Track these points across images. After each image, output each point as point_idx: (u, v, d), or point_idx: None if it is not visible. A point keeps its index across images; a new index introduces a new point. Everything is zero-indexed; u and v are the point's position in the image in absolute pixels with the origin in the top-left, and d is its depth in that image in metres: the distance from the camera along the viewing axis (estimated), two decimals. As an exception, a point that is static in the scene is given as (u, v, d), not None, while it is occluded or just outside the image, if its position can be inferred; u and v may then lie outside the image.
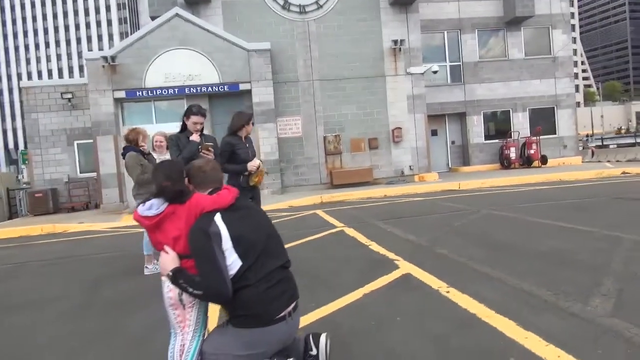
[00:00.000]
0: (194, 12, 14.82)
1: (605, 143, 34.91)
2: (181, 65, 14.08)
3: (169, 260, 2.22)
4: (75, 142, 15.86)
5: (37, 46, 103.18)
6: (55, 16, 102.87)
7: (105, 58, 13.60)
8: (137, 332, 3.50)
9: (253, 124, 5.00)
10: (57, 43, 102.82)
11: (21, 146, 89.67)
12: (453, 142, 20.03)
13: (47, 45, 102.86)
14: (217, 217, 2.20)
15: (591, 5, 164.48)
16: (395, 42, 15.57)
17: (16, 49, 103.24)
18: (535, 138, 18.45)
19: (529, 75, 19.51)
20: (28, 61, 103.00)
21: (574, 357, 2.46)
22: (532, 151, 18.30)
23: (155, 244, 2.32)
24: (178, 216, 2.23)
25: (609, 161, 19.28)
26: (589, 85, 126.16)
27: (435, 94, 18.66)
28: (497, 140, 19.39)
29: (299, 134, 15.61)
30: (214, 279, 2.10)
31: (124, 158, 5.56)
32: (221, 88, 14.29)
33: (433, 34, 19.02)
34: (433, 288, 3.91)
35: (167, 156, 5.69)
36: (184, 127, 4.67)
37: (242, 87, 14.44)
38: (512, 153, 18.52)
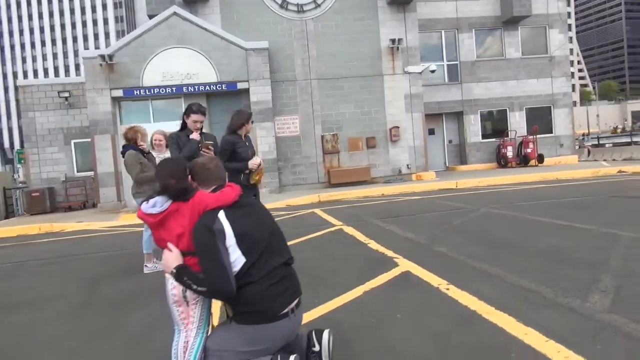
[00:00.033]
0: (191, 11, 14.80)
1: (601, 142, 35.04)
2: (179, 64, 14.06)
3: (173, 257, 2.23)
4: (72, 141, 15.83)
5: (32, 45, 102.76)
6: (51, 14, 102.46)
7: (102, 57, 13.57)
8: (136, 331, 3.50)
9: (252, 122, 5.00)
10: (53, 42, 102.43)
11: (17, 145, 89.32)
12: (450, 141, 20.08)
13: (43, 43, 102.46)
14: (221, 214, 2.22)
15: (587, 5, 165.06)
16: (393, 41, 15.59)
17: (12, 47, 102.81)
18: (532, 137, 18.54)
19: (525, 75, 19.58)
20: (24, 60, 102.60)
21: (574, 352, 2.48)
22: (529, 150, 18.38)
23: (158, 241, 2.33)
24: (182, 214, 2.25)
25: (605, 160, 19.37)
26: (585, 85, 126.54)
27: (433, 93, 18.70)
28: (494, 139, 19.46)
29: (296, 133, 15.62)
30: (217, 275, 2.12)
31: (123, 157, 5.56)
32: (219, 87, 14.28)
33: (431, 33, 19.07)
34: (433, 285, 3.93)
35: (167, 155, 5.69)
36: (183, 126, 4.67)
37: (240, 86, 14.44)
38: (509, 152, 18.60)
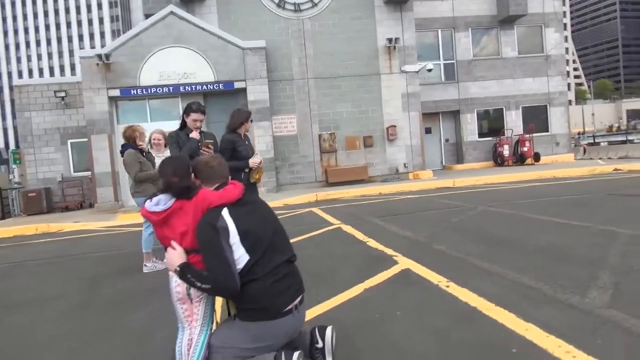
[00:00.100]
0: (188, 10, 14.78)
1: (596, 141, 35.24)
2: (176, 64, 14.03)
3: (176, 255, 2.24)
4: (69, 141, 15.77)
5: (27, 44, 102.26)
6: (46, 14, 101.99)
7: (99, 56, 13.52)
8: (137, 330, 3.50)
9: (251, 121, 5.01)
10: (48, 41, 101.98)
11: (12, 145, 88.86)
12: (447, 140, 20.13)
13: (37, 43, 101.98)
14: (225, 212, 2.22)
15: (582, 4, 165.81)
16: (390, 40, 15.62)
17: (6, 47, 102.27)
18: (528, 136, 18.62)
19: (522, 74, 19.65)
20: (19, 59, 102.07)
21: (574, 347, 2.51)
22: (525, 149, 18.46)
23: (162, 239, 2.33)
24: (185, 211, 2.25)
25: (600, 158, 19.47)
26: (580, 84, 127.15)
27: (430, 92, 18.75)
28: (490, 138, 19.52)
29: (294, 132, 15.62)
30: (221, 272, 2.12)
31: (122, 156, 5.56)
32: (216, 86, 14.26)
33: (427, 32, 19.10)
34: (433, 283, 3.95)
35: (166, 154, 5.70)
36: (183, 125, 4.67)
37: (237, 85, 14.43)
38: (506, 150, 18.67)
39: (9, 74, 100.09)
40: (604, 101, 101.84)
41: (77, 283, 5.23)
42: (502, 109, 19.73)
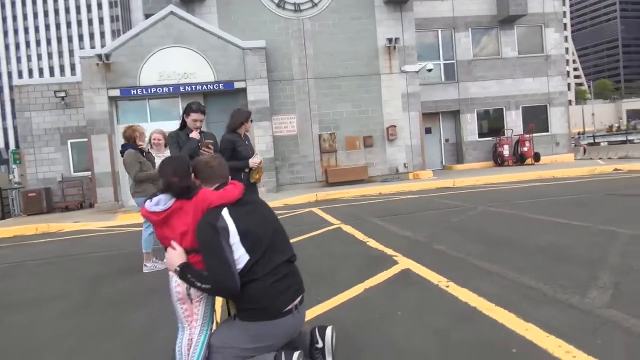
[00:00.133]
0: (188, 10, 14.78)
1: (596, 141, 35.26)
2: (176, 64, 14.03)
3: (176, 255, 2.24)
4: (69, 141, 15.77)
5: (27, 44, 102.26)
6: (46, 14, 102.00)
7: (99, 56, 13.51)
8: (137, 330, 3.50)
9: (251, 121, 5.01)
10: (48, 41, 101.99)
11: (12, 146, 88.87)
12: (447, 140, 20.13)
13: (37, 43, 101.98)
14: (225, 212, 2.23)
15: (582, 4, 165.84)
16: (390, 40, 15.62)
17: (6, 47, 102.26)
18: (528, 136, 18.63)
19: (522, 74, 19.65)
20: (18, 59, 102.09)
21: (574, 347, 2.51)
22: (525, 149, 18.46)
23: (162, 239, 2.33)
24: (185, 211, 2.25)
25: (600, 158, 19.47)
26: (580, 84, 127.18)
27: (430, 92, 18.75)
28: (490, 138, 19.52)
29: (294, 132, 15.62)
30: (221, 272, 2.13)
31: (122, 156, 5.56)
32: (216, 86, 14.26)
33: (427, 32, 19.10)
34: (433, 283, 3.95)
35: (166, 154, 5.70)
36: (183, 125, 4.67)
37: (237, 85, 14.42)
38: (506, 150, 18.67)
39: (9, 74, 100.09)
40: (604, 101, 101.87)
41: (77, 283, 5.23)
42: (502, 109, 19.73)
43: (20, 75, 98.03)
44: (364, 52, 15.79)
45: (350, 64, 15.69)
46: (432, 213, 8.22)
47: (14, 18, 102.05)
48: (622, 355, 2.42)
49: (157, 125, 7.85)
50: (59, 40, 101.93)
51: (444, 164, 20.01)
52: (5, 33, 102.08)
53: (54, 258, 7.06)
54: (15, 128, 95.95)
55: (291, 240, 2.54)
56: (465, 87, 19.33)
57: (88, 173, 14.98)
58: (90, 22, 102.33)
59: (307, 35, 15.53)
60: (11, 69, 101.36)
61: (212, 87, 14.24)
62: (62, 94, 15.29)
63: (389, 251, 5.31)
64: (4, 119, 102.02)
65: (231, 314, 2.49)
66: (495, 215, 7.31)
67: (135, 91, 13.93)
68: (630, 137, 35.69)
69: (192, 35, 14.10)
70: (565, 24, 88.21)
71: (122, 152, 5.59)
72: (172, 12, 14.01)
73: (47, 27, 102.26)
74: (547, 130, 19.93)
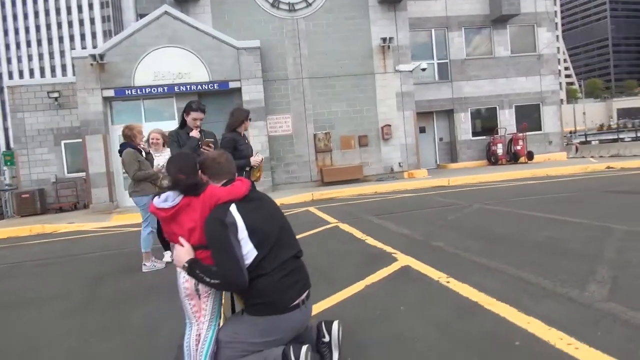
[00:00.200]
0: (182, 10, 14.74)
1: (588, 139, 35.61)
2: (170, 64, 13.99)
3: (184, 252, 2.25)
4: (63, 142, 15.66)
5: (18, 45, 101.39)
6: (36, 14, 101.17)
7: (93, 56, 13.43)
8: (137, 329, 3.50)
9: (250, 120, 5.02)
10: (39, 42, 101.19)
11: (2, 147, 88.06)
12: (441, 139, 20.23)
13: (28, 44, 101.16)
14: (233, 208, 2.25)
15: (573, 3, 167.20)
16: (384, 39, 15.67)
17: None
18: (521, 134, 18.76)
19: (514, 73, 19.80)
20: (9, 60, 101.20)
21: (575, 339, 2.56)
22: (518, 147, 18.60)
23: (169, 235, 2.35)
24: (193, 208, 2.27)
25: (592, 157, 19.66)
26: (571, 83, 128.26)
27: (423, 91, 18.84)
28: (484, 137, 19.64)
29: (289, 132, 15.63)
30: (230, 267, 2.14)
31: (120, 155, 5.55)
32: (211, 86, 14.23)
33: (421, 32, 19.19)
34: (433, 279, 3.99)
35: (164, 153, 5.71)
36: (183, 124, 4.67)
37: (232, 85, 14.40)
38: (499, 149, 18.80)
39: (0, 75, 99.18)
40: (595, 100, 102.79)
41: (76, 283, 5.21)
42: (496, 108, 19.86)
43: (10, 76, 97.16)
44: (358, 51, 15.83)
45: (344, 63, 15.73)
46: (428, 211, 8.27)
47: (4, 19, 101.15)
48: (623, 346, 2.47)
49: (152, 126, 7.84)
50: (50, 41, 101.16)
51: (438, 163, 20.10)
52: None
53: (52, 258, 7.03)
54: (6, 130, 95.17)
55: (290, 239, 2.55)
56: (458, 87, 19.44)
57: (82, 174, 14.90)
58: (81, 22, 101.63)
59: (301, 35, 15.55)
60: (2, 70, 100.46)
61: (206, 87, 14.21)
62: (56, 95, 15.19)
63: (388, 248, 5.34)
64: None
65: (236, 310, 2.51)
66: (492, 213, 7.37)
67: (129, 91, 13.87)
68: (621, 136, 36.08)
69: (187, 35, 14.06)
70: (556, 24, 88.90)
71: (120, 152, 5.58)
72: (166, 12, 13.96)
73: (38, 28, 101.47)
74: (540, 129, 20.09)
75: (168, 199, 2.27)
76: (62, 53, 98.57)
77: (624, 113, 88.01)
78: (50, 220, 12.44)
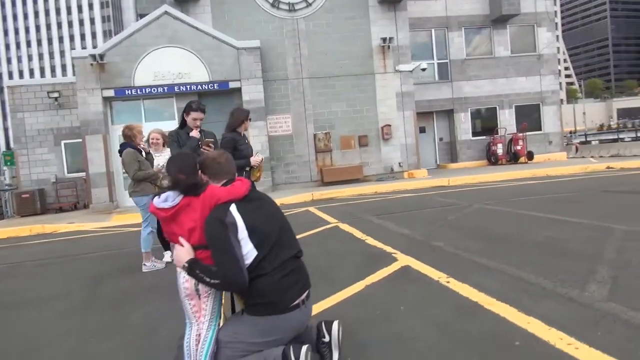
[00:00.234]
0: (182, 10, 14.74)
1: (588, 139, 35.62)
2: (170, 64, 13.99)
3: (184, 252, 2.25)
4: (63, 142, 15.67)
5: (18, 45, 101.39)
6: (36, 15, 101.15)
7: (93, 56, 13.43)
8: (137, 329, 3.50)
9: (250, 120, 5.03)
10: (39, 42, 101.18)
11: (2, 147, 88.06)
12: (441, 139, 20.23)
13: (28, 44, 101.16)
14: (233, 208, 2.25)
15: (573, 3, 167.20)
16: (384, 39, 15.67)
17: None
18: (521, 134, 18.76)
19: (514, 73, 19.80)
20: (9, 60, 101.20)
21: (575, 339, 2.56)
22: (518, 147, 18.60)
23: (170, 235, 2.35)
24: (193, 208, 2.27)
25: (592, 157, 19.66)
26: (571, 83, 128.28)
27: (423, 91, 18.84)
28: (484, 137, 19.64)
29: (289, 132, 15.63)
30: (230, 267, 2.14)
31: (120, 155, 5.55)
32: (211, 86, 14.23)
33: (421, 32, 19.19)
34: (433, 279, 3.99)
35: (164, 153, 5.70)
36: (183, 123, 4.67)
37: (232, 85, 14.41)
38: (499, 149, 18.80)
39: (0, 75, 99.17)
40: (595, 100, 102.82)
41: (76, 283, 5.21)
42: (496, 108, 19.86)
43: (10, 76, 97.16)
44: (358, 51, 15.83)
45: (344, 63, 15.73)
46: (428, 211, 8.27)
47: (4, 19, 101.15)
48: (623, 346, 2.47)
49: (152, 126, 7.84)
50: (50, 41, 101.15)
51: (438, 163, 20.10)
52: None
53: (52, 258, 7.03)
54: (6, 130, 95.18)
55: (289, 239, 2.55)
56: (458, 87, 19.44)
57: (82, 174, 14.90)
58: (81, 22, 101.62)
59: (301, 35, 15.55)
60: (2, 70, 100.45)
61: (206, 87, 14.21)
62: (56, 95, 15.19)
63: (388, 248, 5.34)
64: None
65: (237, 310, 2.51)
66: (492, 213, 7.37)
67: (129, 91, 13.87)
68: (621, 136, 36.08)
69: (187, 35, 14.07)
70: (556, 24, 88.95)
71: (120, 152, 5.58)
72: (166, 12, 13.96)
73: (38, 28, 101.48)
74: (540, 129, 20.09)
75: (168, 199, 2.27)
76: (62, 53, 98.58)
77: (624, 113, 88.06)
78: (50, 220, 12.44)
